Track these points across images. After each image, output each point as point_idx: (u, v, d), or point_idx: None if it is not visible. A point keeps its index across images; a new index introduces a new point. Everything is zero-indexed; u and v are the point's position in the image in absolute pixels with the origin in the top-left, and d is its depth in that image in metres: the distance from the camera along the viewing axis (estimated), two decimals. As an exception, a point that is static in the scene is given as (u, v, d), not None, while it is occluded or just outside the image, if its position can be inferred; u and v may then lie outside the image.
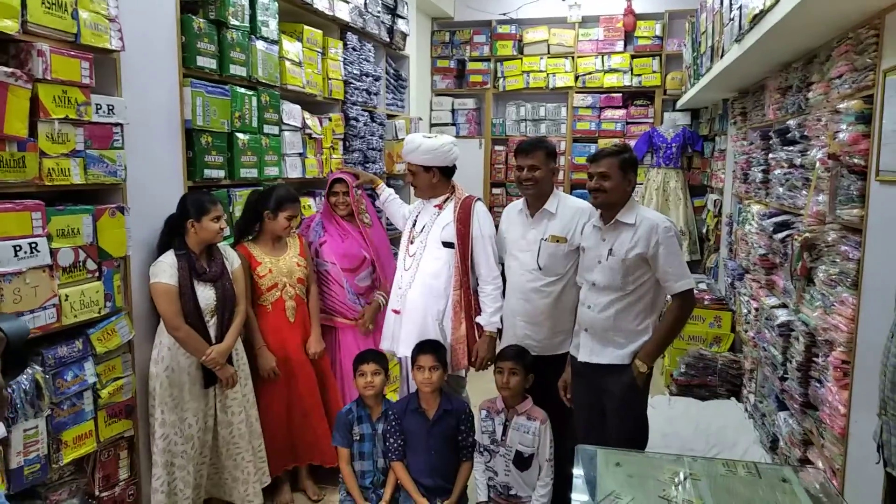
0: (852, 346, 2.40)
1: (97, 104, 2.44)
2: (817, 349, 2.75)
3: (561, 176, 7.49)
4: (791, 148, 3.23)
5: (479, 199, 3.18)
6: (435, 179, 3.13)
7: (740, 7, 3.30)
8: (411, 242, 3.15)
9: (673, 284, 2.58)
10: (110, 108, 2.50)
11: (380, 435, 2.92)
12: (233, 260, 3.00)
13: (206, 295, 2.81)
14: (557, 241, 2.88)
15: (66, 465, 2.42)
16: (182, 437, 2.77)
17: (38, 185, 2.24)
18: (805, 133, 2.99)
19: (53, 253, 2.27)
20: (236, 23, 3.28)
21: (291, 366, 3.17)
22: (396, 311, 3.12)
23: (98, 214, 2.46)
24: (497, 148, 7.77)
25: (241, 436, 2.95)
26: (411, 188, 3.26)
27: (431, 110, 7.83)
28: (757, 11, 2.86)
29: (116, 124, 2.54)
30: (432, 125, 7.73)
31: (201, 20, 3.08)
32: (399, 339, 3.09)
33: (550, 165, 2.94)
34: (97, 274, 2.48)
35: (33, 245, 2.18)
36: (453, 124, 7.81)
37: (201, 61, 3.08)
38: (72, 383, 2.36)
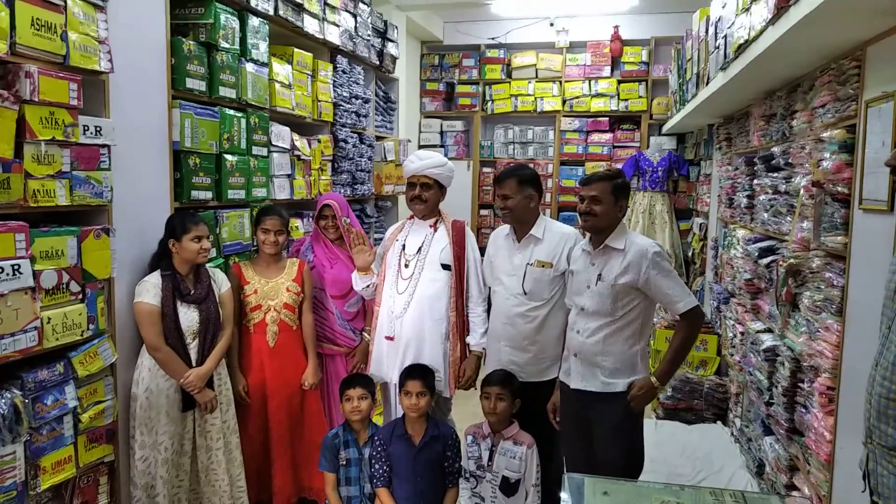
0: (837, 373, 2.41)
1: (84, 125, 2.43)
2: (803, 375, 2.76)
3: (548, 198, 7.53)
4: (775, 174, 3.27)
5: (464, 222, 3.20)
6: (442, 199, 3.16)
7: (725, 36, 3.35)
8: (405, 266, 3.08)
9: (677, 305, 2.56)
10: (98, 129, 2.49)
11: (366, 460, 2.88)
12: (221, 283, 2.98)
13: (188, 317, 2.79)
14: (543, 266, 2.88)
15: (44, 492, 2.36)
16: (158, 460, 2.73)
17: (23, 206, 2.21)
18: (789, 160, 3.03)
19: (36, 275, 2.23)
20: (226, 45, 3.29)
21: (266, 392, 3.11)
22: (390, 338, 3.04)
23: (83, 236, 2.43)
24: (485, 170, 7.82)
25: (219, 462, 2.90)
26: (401, 208, 3.24)
27: (420, 132, 7.87)
28: (742, 41, 2.91)
29: (104, 145, 2.52)
30: (421, 147, 7.77)
31: (191, 42, 3.09)
32: (394, 366, 3.02)
33: (525, 192, 2.90)
34: (80, 296, 2.45)
35: (16, 267, 2.15)
36: (442, 146, 7.85)
37: (190, 83, 3.08)
38: (52, 407, 2.31)
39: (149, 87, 2.86)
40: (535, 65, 7.53)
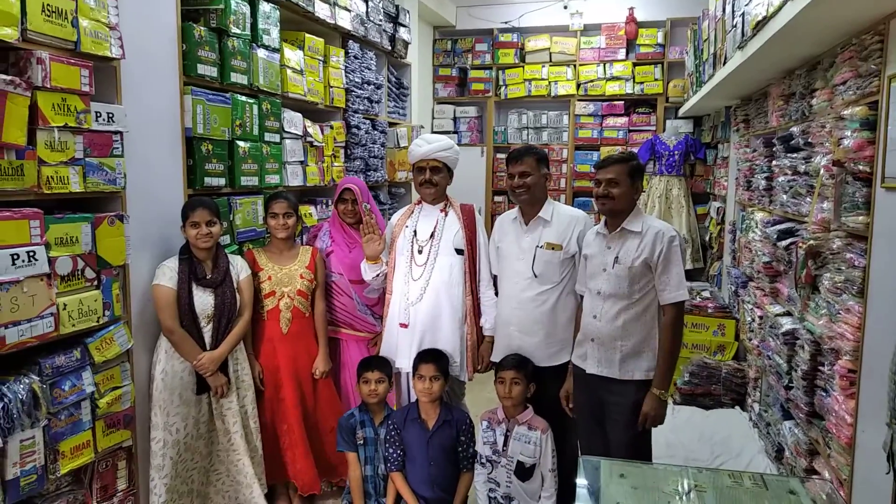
0: (859, 355, 2.37)
1: (97, 112, 2.43)
2: (823, 358, 2.72)
3: (563, 184, 7.49)
4: (795, 155, 3.21)
5: (473, 205, 3.19)
6: (450, 182, 3.14)
7: (743, 14, 3.28)
8: (419, 252, 3.06)
9: (669, 294, 2.57)
10: (110, 115, 2.49)
11: (382, 440, 2.89)
12: (241, 270, 3.00)
13: (203, 301, 2.81)
14: (553, 249, 2.86)
15: (64, 476, 2.38)
16: (169, 441, 2.77)
17: (37, 193, 2.22)
18: (809, 140, 2.97)
19: (51, 261, 2.25)
20: (237, 31, 3.27)
21: (279, 378, 3.11)
22: (404, 325, 3.03)
23: (97, 222, 2.44)
24: (499, 155, 7.77)
25: (242, 443, 2.93)
26: (415, 195, 3.21)
27: (433, 118, 7.84)
28: (760, 18, 2.85)
29: (116, 132, 2.53)
30: (434, 132, 7.73)
31: (202, 28, 3.08)
32: (408, 353, 3.00)
33: (542, 171, 2.91)
34: (96, 282, 2.46)
35: (31, 253, 2.16)
36: (455, 132, 7.81)
37: (202, 69, 3.07)
38: (69, 393, 2.33)
39: (160, 73, 2.86)
40: (548, 48, 7.45)
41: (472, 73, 7.77)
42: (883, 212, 2.24)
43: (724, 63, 3.93)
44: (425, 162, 3.05)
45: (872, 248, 2.29)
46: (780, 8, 2.56)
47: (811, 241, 2.76)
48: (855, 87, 2.51)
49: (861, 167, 2.35)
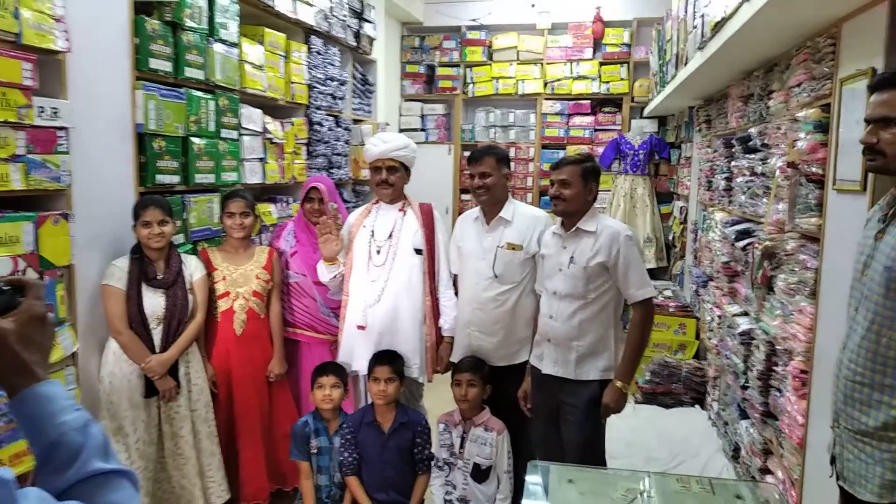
0: (810, 356, 2.39)
1: (40, 107, 2.34)
2: (777, 358, 2.75)
3: (529, 182, 7.49)
4: (752, 156, 3.24)
5: (431, 204, 3.15)
6: (407, 181, 3.09)
7: (703, 15, 3.30)
8: (377, 252, 3.00)
9: (635, 292, 2.58)
10: (54, 111, 2.40)
11: (336, 448, 2.84)
12: (194, 270, 2.93)
13: (153, 302, 2.74)
14: (514, 249, 2.85)
15: (3, 484, 2.30)
16: (121, 445, 2.68)
17: (-26, 190, 2.14)
18: (766, 141, 2.99)
19: (-10, 262, 2.16)
20: (193, 25, 3.19)
21: (232, 380, 3.04)
22: (361, 327, 2.96)
23: (40, 221, 2.35)
24: (466, 153, 7.69)
25: (189, 448, 2.85)
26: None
27: (401, 115, 7.77)
28: (718, 19, 2.86)
29: (61, 128, 2.44)
30: (401, 130, 7.66)
31: (155, 21, 2.99)
32: (366, 355, 2.92)
33: (502, 171, 2.90)
34: (38, 283, 2.37)
35: (-33, 254, 2.08)
36: (423, 130, 7.76)
37: (155, 63, 2.99)
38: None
39: (110, 67, 2.78)
40: (516, 47, 7.44)
41: (440, 71, 7.72)
42: (834, 214, 2.26)
43: (686, 64, 3.96)
44: (381, 161, 2.99)
45: (824, 249, 2.31)
46: (736, 9, 2.57)
47: (767, 242, 2.79)
48: (809, 89, 2.53)
49: (814, 169, 2.37)
